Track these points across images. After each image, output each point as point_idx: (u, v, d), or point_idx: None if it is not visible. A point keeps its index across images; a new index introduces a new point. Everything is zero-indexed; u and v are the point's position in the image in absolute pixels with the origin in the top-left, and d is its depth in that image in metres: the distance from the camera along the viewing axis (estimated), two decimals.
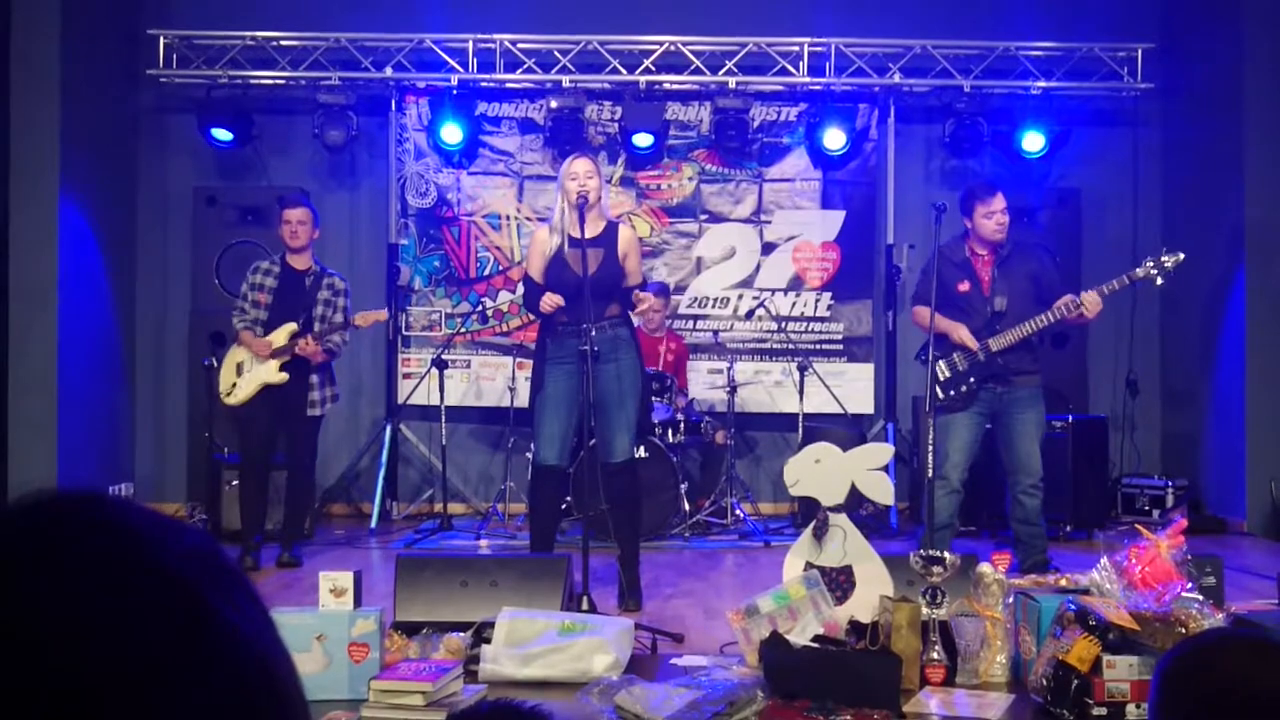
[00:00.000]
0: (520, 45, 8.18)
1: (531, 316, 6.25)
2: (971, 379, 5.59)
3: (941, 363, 5.60)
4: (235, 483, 6.77)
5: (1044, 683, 3.34)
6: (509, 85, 8.30)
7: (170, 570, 0.63)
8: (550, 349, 5.17)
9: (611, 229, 5.22)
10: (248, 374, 6.19)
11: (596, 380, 5.02)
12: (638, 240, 5.42)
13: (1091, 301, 5.50)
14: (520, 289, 6.86)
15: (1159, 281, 5.64)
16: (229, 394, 6.25)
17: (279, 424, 6.24)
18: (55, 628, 0.58)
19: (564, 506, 6.29)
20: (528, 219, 8.30)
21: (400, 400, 8.14)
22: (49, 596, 0.59)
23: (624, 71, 8.18)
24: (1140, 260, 5.72)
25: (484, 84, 8.27)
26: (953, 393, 5.60)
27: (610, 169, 8.23)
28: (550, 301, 5.05)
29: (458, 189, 8.37)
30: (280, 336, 6.17)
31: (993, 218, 5.63)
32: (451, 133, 8.07)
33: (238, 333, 6.25)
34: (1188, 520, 3.84)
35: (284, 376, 6.13)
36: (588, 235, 5.04)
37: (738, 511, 7.44)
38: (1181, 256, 5.58)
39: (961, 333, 5.58)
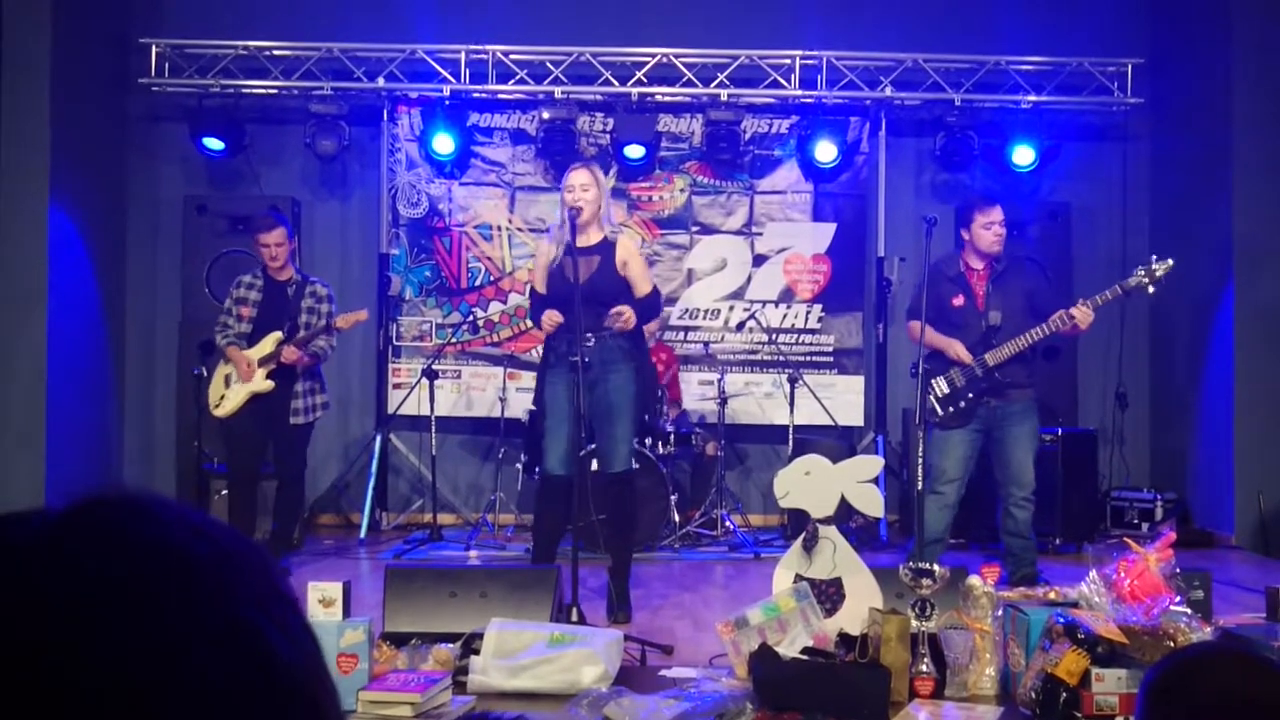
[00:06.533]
0: (512, 56, 8.19)
1: (530, 324, 6.26)
2: (970, 394, 5.60)
3: (940, 379, 5.61)
4: (224, 493, 6.75)
5: (1032, 695, 3.34)
6: (501, 96, 8.30)
7: (225, 602, 0.62)
8: (550, 358, 5.17)
9: (608, 243, 5.21)
10: (235, 385, 6.21)
11: (594, 391, 5.02)
12: (637, 248, 5.42)
13: (1083, 314, 5.52)
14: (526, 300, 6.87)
15: (1150, 290, 5.65)
16: (217, 405, 6.26)
17: (266, 433, 6.24)
18: (91, 647, 0.56)
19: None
20: (519, 230, 8.31)
21: (390, 410, 8.12)
22: (87, 618, 0.57)
23: (616, 83, 8.19)
24: (1131, 271, 5.75)
25: (476, 95, 8.27)
26: (951, 409, 5.60)
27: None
28: (550, 320, 5.06)
29: (449, 199, 8.37)
30: (266, 346, 6.19)
31: (991, 229, 5.65)
32: (443, 143, 8.07)
33: (223, 349, 6.27)
34: (1176, 534, 3.84)
35: (271, 385, 6.14)
36: (581, 245, 5.06)
37: (727, 523, 7.44)
38: (1171, 263, 5.59)
39: (957, 349, 5.59)
